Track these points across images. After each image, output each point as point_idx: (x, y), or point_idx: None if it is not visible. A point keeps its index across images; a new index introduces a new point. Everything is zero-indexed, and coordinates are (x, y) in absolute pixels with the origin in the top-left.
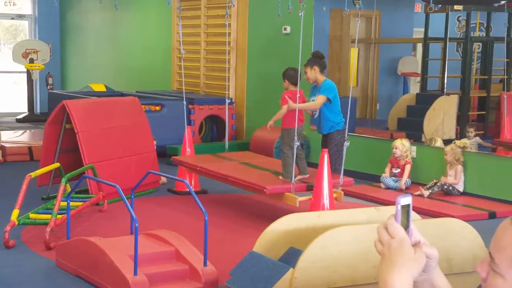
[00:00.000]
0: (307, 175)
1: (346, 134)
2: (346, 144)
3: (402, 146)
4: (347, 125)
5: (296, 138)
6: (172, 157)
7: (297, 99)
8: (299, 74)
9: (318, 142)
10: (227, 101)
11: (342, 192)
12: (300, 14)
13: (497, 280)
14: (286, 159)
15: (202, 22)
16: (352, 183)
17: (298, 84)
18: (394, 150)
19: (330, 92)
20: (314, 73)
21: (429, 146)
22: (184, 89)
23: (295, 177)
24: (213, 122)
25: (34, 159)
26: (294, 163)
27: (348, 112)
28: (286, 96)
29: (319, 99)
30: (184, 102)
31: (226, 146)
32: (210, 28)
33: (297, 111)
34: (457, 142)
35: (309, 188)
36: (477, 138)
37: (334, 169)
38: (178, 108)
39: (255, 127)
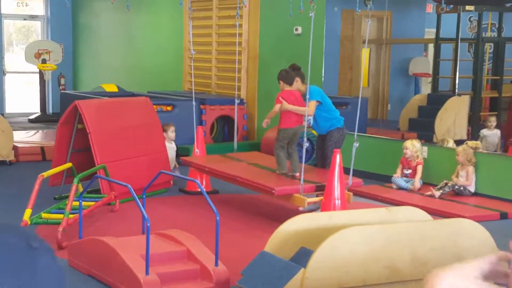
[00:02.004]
0: (297, 174)
1: (355, 135)
2: (355, 145)
3: (413, 146)
4: (356, 125)
5: (295, 138)
6: (181, 157)
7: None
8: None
9: None
10: (236, 101)
11: (351, 193)
12: (310, 14)
13: None
14: (277, 156)
15: (213, 23)
16: (361, 184)
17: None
18: (404, 151)
19: (317, 95)
20: (296, 85)
21: (441, 147)
22: (193, 90)
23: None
24: (224, 123)
25: (47, 159)
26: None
27: (358, 112)
28: (280, 97)
29: (311, 105)
30: (194, 103)
31: (235, 147)
32: (221, 29)
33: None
34: (469, 142)
35: (318, 188)
36: (498, 131)
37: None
38: (189, 109)
39: (266, 127)
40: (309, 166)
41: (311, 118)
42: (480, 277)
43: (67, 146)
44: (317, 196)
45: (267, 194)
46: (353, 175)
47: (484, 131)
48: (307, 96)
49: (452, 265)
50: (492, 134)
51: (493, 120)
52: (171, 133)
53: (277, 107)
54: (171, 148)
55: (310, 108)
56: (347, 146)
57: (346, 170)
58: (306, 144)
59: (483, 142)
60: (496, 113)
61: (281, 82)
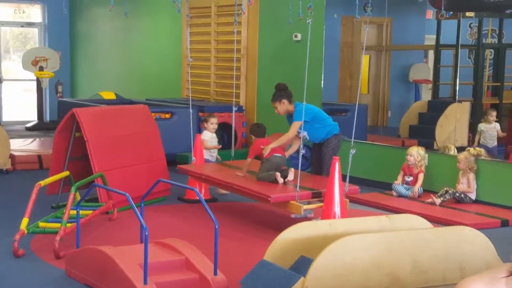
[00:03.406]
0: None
1: (352, 142)
2: (352, 151)
3: (418, 154)
4: (353, 132)
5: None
6: (178, 166)
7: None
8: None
9: None
10: (234, 108)
11: (348, 200)
12: (308, 21)
13: None
14: (262, 178)
15: (212, 30)
16: (358, 191)
17: (305, 84)
18: (408, 157)
19: (300, 116)
20: (284, 106)
21: (442, 154)
22: (190, 97)
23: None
24: (223, 130)
25: (44, 167)
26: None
27: (355, 119)
28: (261, 147)
29: (293, 127)
30: (191, 110)
31: (232, 154)
32: (220, 36)
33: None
34: (471, 150)
35: (315, 195)
36: (497, 124)
37: (328, 173)
38: (188, 116)
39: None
40: (305, 172)
41: (305, 133)
42: (505, 278)
43: (65, 155)
44: (309, 203)
45: (263, 201)
46: (353, 182)
47: (482, 125)
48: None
49: (481, 272)
50: (490, 127)
51: (493, 115)
52: (210, 125)
53: (249, 160)
54: (212, 140)
55: (291, 129)
56: (344, 153)
57: (343, 177)
58: (302, 151)
59: (482, 136)
60: (497, 119)
61: (253, 137)
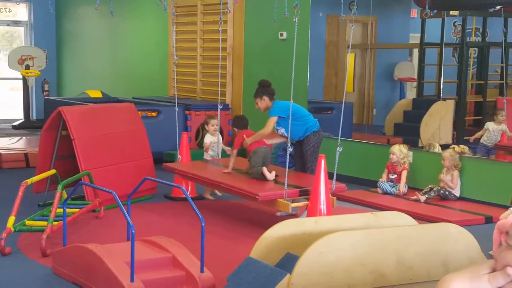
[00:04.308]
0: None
1: (339, 139)
2: (339, 149)
3: (400, 152)
4: (340, 130)
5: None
6: (163, 164)
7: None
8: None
9: None
10: (219, 106)
11: (335, 198)
12: (294, 19)
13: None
14: (255, 173)
15: (198, 28)
16: (345, 189)
17: (292, 82)
18: (391, 155)
19: (278, 111)
20: (264, 103)
21: (427, 152)
22: (176, 95)
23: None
24: None
25: (30, 165)
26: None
27: (341, 117)
28: (244, 136)
29: (269, 122)
30: (176, 108)
31: (219, 151)
32: (206, 34)
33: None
34: (456, 147)
35: (302, 193)
36: (503, 125)
37: (311, 170)
38: (174, 114)
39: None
40: (292, 170)
41: (283, 130)
42: (488, 274)
43: (51, 153)
44: (293, 201)
45: (251, 200)
46: (339, 180)
47: (490, 125)
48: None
49: (464, 268)
50: (497, 129)
51: (503, 114)
52: (210, 126)
53: (234, 152)
54: (213, 145)
55: (267, 124)
56: (330, 150)
57: (329, 175)
58: (290, 149)
59: (486, 135)
60: (480, 117)
61: (235, 129)
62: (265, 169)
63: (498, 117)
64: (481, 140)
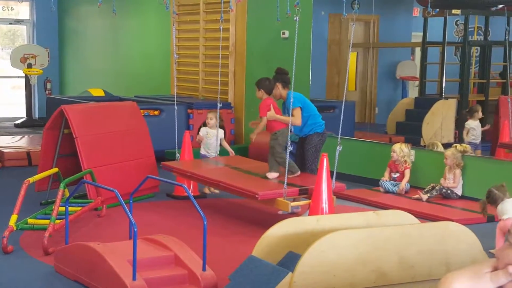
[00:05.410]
0: (297, 173)
1: (339, 138)
2: (339, 148)
3: (400, 150)
4: (340, 129)
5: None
6: (162, 162)
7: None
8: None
9: None
10: (219, 105)
11: (335, 197)
12: (295, 18)
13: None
14: (280, 159)
15: (200, 27)
16: (345, 188)
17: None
18: (392, 154)
19: (299, 102)
20: (277, 90)
21: (429, 150)
22: (175, 93)
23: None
24: None
25: (33, 164)
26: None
27: (342, 116)
28: (270, 105)
29: (297, 113)
30: (175, 107)
31: (217, 150)
32: (208, 33)
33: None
34: (458, 146)
35: (302, 192)
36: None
37: (311, 170)
38: (177, 113)
39: (254, 131)
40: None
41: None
42: (490, 273)
43: (54, 151)
44: (294, 200)
45: (251, 198)
46: (341, 178)
47: (470, 123)
48: (292, 100)
49: (466, 267)
50: (477, 124)
51: (479, 110)
52: (209, 120)
53: (264, 119)
54: (211, 134)
55: (296, 116)
56: (331, 149)
57: (330, 174)
58: (290, 148)
59: (470, 133)
60: (482, 116)
61: (262, 91)
62: (276, 175)
63: (476, 114)
64: (468, 140)
